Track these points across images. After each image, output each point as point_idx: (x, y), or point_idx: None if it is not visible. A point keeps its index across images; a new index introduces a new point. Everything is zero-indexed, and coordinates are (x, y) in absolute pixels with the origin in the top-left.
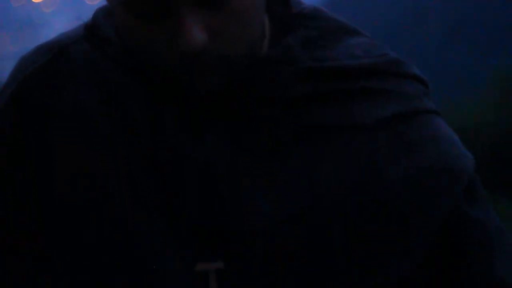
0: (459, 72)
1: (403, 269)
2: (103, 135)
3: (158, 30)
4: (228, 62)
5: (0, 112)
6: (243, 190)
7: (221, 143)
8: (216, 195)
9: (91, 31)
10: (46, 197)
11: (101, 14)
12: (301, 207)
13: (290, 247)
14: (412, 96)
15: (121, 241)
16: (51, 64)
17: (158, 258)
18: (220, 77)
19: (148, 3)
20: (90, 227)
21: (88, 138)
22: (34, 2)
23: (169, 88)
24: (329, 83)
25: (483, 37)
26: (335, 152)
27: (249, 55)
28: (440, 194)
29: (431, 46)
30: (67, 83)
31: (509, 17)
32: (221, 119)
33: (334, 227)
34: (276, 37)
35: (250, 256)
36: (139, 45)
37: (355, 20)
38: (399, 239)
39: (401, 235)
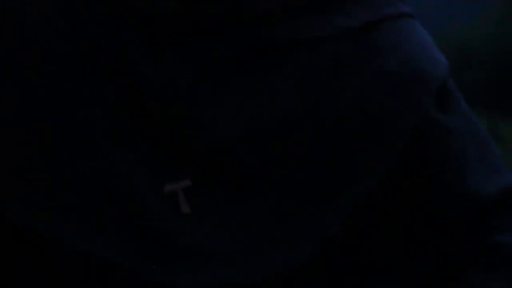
0: None
1: (370, 183)
2: (66, 58)
3: None
4: None
5: None
6: (205, 107)
7: (182, 62)
8: (178, 113)
9: None
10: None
11: None
12: (263, 122)
13: (253, 162)
14: (382, 2)
15: (88, 165)
16: None
17: (125, 183)
18: None
19: None
20: (56, 150)
21: (51, 62)
22: None
23: (127, 8)
24: None
25: None
26: (298, 66)
27: None
28: (408, 101)
29: None
30: (27, 7)
31: None
32: (181, 37)
33: (296, 142)
34: None
35: (216, 172)
36: None
37: None
38: (364, 151)
39: (367, 147)
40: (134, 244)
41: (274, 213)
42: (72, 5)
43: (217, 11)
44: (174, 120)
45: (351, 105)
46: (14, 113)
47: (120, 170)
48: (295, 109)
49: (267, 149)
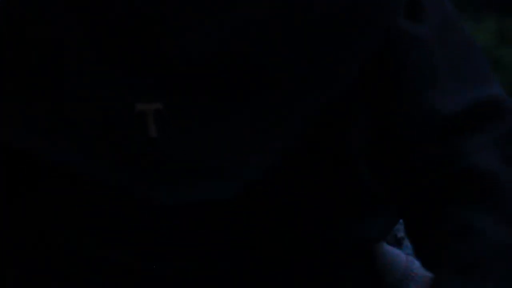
0: None
1: (332, 95)
2: None
3: None
4: None
5: None
6: (176, 24)
7: None
8: (151, 31)
9: None
10: None
11: None
12: (234, 36)
13: (226, 78)
14: None
15: (61, 80)
16: None
17: (97, 98)
18: None
19: None
20: (31, 68)
21: None
22: None
23: None
24: None
25: None
26: None
27: None
28: (374, 9)
29: None
30: None
31: None
32: None
33: (268, 54)
34: None
35: (189, 97)
36: None
37: None
38: (329, 59)
39: (332, 55)
40: (108, 159)
41: (244, 127)
42: None
43: None
44: (147, 38)
45: (320, 15)
46: None
47: (94, 87)
48: (266, 21)
49: (239, 64)
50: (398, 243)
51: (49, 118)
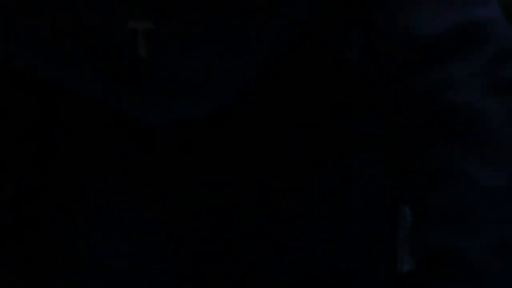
0: None
1: (309, 15)
2: None
3: None
4: None
5: None
6: None
7: None
8: None
9: None
10: None
11: None
12: None
13: (212, 4)
14: None
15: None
16: None
17: (91, 13)
18: None
19: None
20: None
21: None
22: None
23: None
24: None
25: None
26: None
27: None
28: None
29: None
30: None
31: None
32: None
33: None
34: None
35: (179, 18)
36: None
37: None
38: None
39: None
40: (100, 75)
41: (225, 46)
42: None
43: None
44: None
45: None
46: None
47: (89, 3)
48: None
49: None
50: None
51: (42, 33)
